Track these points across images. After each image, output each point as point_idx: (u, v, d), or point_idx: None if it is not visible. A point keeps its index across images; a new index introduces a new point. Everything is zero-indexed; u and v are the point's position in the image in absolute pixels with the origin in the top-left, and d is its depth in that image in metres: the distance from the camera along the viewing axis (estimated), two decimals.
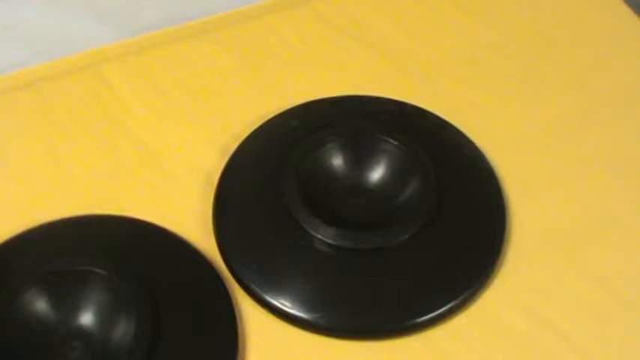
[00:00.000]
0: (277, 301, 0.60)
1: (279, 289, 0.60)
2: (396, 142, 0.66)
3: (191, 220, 0.65)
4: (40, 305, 0.57)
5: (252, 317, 0.60)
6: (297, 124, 0.70)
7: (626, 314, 0.61)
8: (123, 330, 0.56)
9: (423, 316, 0.60)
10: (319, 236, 0.61)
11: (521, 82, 0.76)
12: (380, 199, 0.65)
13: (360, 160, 0.66)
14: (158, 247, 0.63)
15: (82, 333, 0.57)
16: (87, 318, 0.58)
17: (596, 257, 0.64)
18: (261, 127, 0.70)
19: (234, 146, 0.69)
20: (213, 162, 0.68)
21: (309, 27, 0.81)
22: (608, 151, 0.71)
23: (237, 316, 0.59)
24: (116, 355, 0.55)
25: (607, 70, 0.77)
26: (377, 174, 0.66)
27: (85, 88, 0.74)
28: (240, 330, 0.59)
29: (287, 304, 0.60)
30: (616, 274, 0.63)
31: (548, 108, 0.74)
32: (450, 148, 0.69)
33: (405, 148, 0.66)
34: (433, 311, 0.60)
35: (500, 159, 0.69)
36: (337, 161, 0.66)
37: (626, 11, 0.81)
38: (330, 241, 0.61)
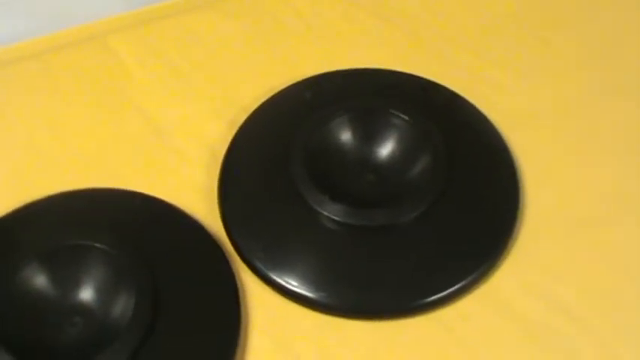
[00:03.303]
0: (282, 279, 0.59)
1: (284, 267, 0.59)
2: (406, 117, 0.64)
3: (196, 194, 0.64)
4: (40, 280, 0.57)
5: (257, 295, 0.59)
6: (309, 96, 0.69)
7: None
8: (123, 306, 0.55)
9: (431, 295, 0.58)
10: (326, 213, 0.60)
11: (539, 56, 0.75)
12: (390, 176, 0.64)
13: (370, 136, 0.65)
14: (161, 221, 0.62)
15: (81, 308, 0.56)
16: (87, 293, 0.57)
17: (611, 238, 0.62)
18: (269, 99, 0.69)
19: (241, 119, 0.68)
20: (219, 135, 0.67)
21: None
22: (627, 129, 0.69)
23: (241, 293, 0.58)
24: (116, 330, 0.55)
25: (628, 46, 0.75)
26: (387, 150, 0.65)
27: (91, 60, 0.74)
28: (243, 308, 0.58)
29: (292, 282, 0.58)
30: (632, 256, 0.61)
31: (566, 84, 0.72)
32: (463, 124, 0.68)
33: (416, 123, 0.64)
34: (442, 291, 0.58)
35: (515, 136, 0.67)
36: (346, 136, 0.65)
37: None
38: (337, 219, 0.60)
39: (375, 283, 0.59)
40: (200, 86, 0.72)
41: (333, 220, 0.60)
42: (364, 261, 0.60)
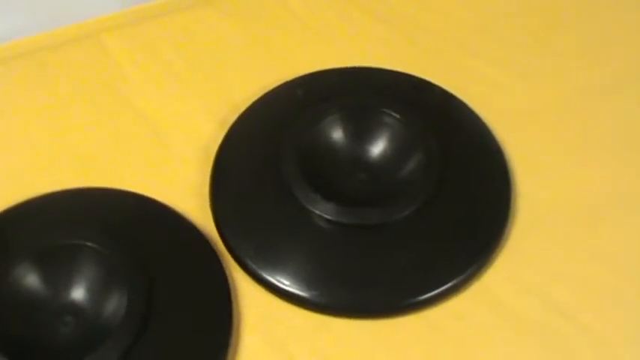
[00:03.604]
0: (274, 278, 0.59)
1: (276, 266, 0.59)
2: (399, 116, 0.64)
3: (188, 193, 0.64)
4: (33, 279, 0.57)
5: (249, 294, 0.59)
6: (301, 94, 0.69)
7: (635, 294, 0.59)
8: (115, 305, 0.55)
9: (423, 294, 0.58)
10: (318, 212, 0.60)
11: (534, 56, 0.74)
12: (382, 175, 0.64)
13: (362, 134, 0.65)
14: (153, 221, 0.62)
15: (74, 307, 0.56)
16: (79, 293, 0.57)
17: (603, 236, 0.62)
18: (261, 98, 0.68)
19: (234, 117, 0.67)
20: (211, 134, 0.67)
21: None
22: (620, 128, 0.69)
23: (233, 292, 0.58)
24: (108, 330, 0.54)
25: (623, 46, 0.75)
26: (379, 148, 0.65)
27: (85, 58, 0.74)
28: (235, 307, 0.58)
29: (284, 281, 0.58)
30: (624, 254, 0.61)
31: (559, 83, 0.72)
32: (456, 123, 0.68)
33: (409, 122, 0.64)
34: (434, 290, 0.58)
35: (508, 135, 0.67)
36: (339, 135, 0.65)
37: None
38: (329, 217, 0.60)
39: (367, 281, 0.59)
40: (193, 85, 0.72)
41: (325, 219, 0.60)
42: (356, 260, 0.60)
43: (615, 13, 0.78)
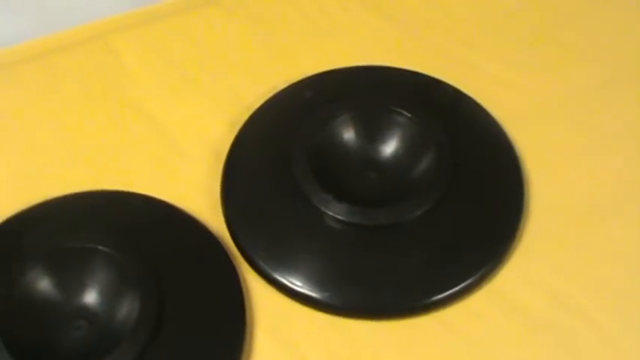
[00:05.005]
0: (286, 279, 0.58)
1: (288, 267, 0.59)
2: (409, 115, 0.64)
3: (199, 195, 0.63)
4: (45, 283, 0.56)
5: (261, 296, 0.59)
6: (310, 94, 0.69)
7: None
8: (128, 309, 0.55)
9: (437, 294, 0.58)
10: (330, 212, 0.60)
11: (541, 51, 0.74)
12: (393, 174, 0.64)
13: (373, 134, 0.65)
14: (165, 223, 0.61)
15: (86, 311, 0.56)
16: (91, 296, 0.57)
17: (617, 233, 0.62)
18: (272, 98, 0.68)
19: (244, 118, 0.67)
20: (222, 135, 0.67)
21: None
22: (631, 123, 0.68)
23: (245, 294, 0.58)
24: (121, 334, 0.54)
25: (630, 39, 0.75)
26: (390, 148, 0.64)
27: (92, 60, 0.73)
28: (247, 309, 0.57)
29: (296, 282, 0.58)
30: (638, 252, 0.61)
31: (569, 78, 0.72)
32: (466, 120, 0.67)
33: (420, 120, 0.64)
34: (448, 289, 0.58)
35: (519, 132, 0.67)
36: (349, 135, 0.65)
37: None
38: (341, 218, 0.60)
39: (379, 282, 0.59)
40: (202, 86, 0.71)
41: (337, 219, 0.60)
42: (369, 260, 0.60)
43: (619, 7, 0.77)
